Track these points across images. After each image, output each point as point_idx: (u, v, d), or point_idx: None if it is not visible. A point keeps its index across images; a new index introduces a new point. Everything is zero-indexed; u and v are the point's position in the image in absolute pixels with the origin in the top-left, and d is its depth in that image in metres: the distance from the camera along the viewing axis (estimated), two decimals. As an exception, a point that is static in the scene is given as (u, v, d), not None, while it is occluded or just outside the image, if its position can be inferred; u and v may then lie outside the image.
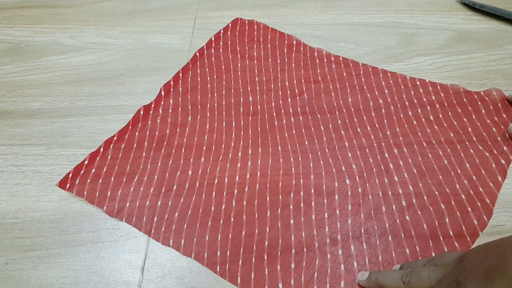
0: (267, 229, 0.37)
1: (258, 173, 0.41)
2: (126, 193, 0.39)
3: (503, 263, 0.25)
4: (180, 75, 0.50)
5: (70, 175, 0.40)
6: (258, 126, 0.45)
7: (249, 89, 0.49)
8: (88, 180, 0.40)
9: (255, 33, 0.56)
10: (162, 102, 0.47)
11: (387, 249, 0.35)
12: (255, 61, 0.52)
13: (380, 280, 0.32)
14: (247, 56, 0.53)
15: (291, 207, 0.38)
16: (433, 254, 0.35)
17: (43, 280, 0.34)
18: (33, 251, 0.36)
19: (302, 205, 0.38)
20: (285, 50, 0.53)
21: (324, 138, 0.44)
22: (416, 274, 0.30)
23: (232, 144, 0.43)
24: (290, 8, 0.60)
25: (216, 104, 0.47)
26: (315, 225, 0.37)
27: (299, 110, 0.46)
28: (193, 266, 0.35)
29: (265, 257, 0.35)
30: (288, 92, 0.48)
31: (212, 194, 0.39)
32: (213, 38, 0.55)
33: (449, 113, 0.45)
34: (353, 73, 0.50)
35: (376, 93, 0.48)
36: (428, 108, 0.46)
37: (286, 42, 0.54)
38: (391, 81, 0.49)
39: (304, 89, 0.48)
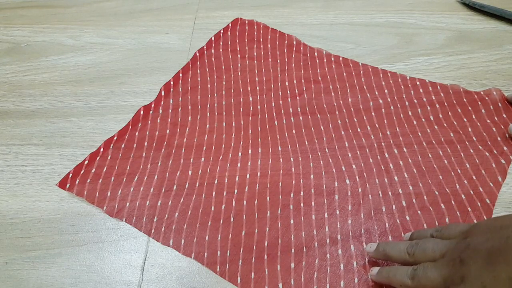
0: (267, 229, 0.37)
1: (258, 173, 0.41)
2: (126, 193, 0.39)
3: (507, 248, 0.25)
4: (180, 75, 0.50)
5: (70, 175, 0.40)
6: (258, 126, 0.45)
7: (249, 89, 0.49)
8: (88, 180, 0.40)
9: (255, 33, 0.56)
10: (162, 102, 0.47)
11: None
12: (255, 61, 0.52)
13: (387, 251, 0.32)
14: (247, 56, 0.53)
15: (291, 207, 0.38)
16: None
17: (43, 280, 0.34)
18: (33, 251, 0.36)
19: (302, 205, 0.38)
20: (285, 50, 0.53)
21: (324, 138, 0.44)
22: (421, 246, 0.30)
23: (232, 144, 0.43)
24: (290, 8, 0.60)
25: (216, 104, 0.47)
26: (315, 225, 0.37)
27: (299, 110, 0.46)
28: (193, 266, 0.35)
29: (265, 257, 0.35)
30: (288, 92, 0.48)
31: (212, 194, 0.39)
32: (213, 38, 0.55)
33: (449, 113, 0.45)
34: (353, 73, 0.50)
35: (376, 93, 0.48)
36: (428, 108, 0.46)
37: (286, 42, 0.54)
38: (391, 81, 0.49)
39: (304, 89, 0.48)
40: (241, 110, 0.46)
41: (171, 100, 0.47)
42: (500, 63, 0.51)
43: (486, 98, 0.46)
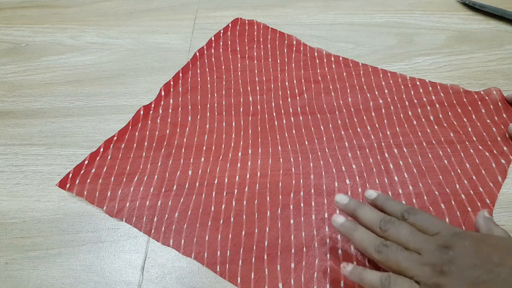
0: (267, 229, 0.37)
1: (258, 173, 0.41)
2: (126, 193, 0.39)
3: (493, 284, 0.25)
4: (180, 75, 0.50)
5: (70, 175, 0.40)
6: (258, 126, 0.45)
7: (249, 89, 0.49)
8: (88, 180, 0.40)
9: (255, 33, 0.56)
10: (162, 102, 0.47)
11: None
12: (255, 61, 0.52)
13: (358, 213, 0.33)
14: (247, 56, 0.53)
15: (291, 207, 0.38)
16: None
17: (43, 280, 0.34)
18: (33, 251, 0.36)
19: (302, 205, 0.38)
20: (285, 50, 0.53)
21: (324, 138, 0.44)
22: (396, 229, 0.30)
23: (232, 144, 0.43)
24: (290, 8, 0.60)
25: (216, 104, 0.47)
26: (315, 225, 0.37)
27: (299, 110, 0.46)
28: (193, 266, 0.35)
29: (265, 257, 0.35)
30: (288, 92, 0.48)
31: (212, 194, 0.39)
32: (213, 38, 0.55)
33: (449, 113, 0.45)
34: (353, 73, 0.50)
35: (376, 93, 0.48)
36: (428, 108, 0.46)
37: (286, 42, 0.54)
38: (391, 81, 0.49)
39: (304, 89, 0.48)
40: (241, 110, 0.46)
41: (171, 100, 0.47)
42: (500, 63, 0.51)
43: (486, 98, 0.46)
